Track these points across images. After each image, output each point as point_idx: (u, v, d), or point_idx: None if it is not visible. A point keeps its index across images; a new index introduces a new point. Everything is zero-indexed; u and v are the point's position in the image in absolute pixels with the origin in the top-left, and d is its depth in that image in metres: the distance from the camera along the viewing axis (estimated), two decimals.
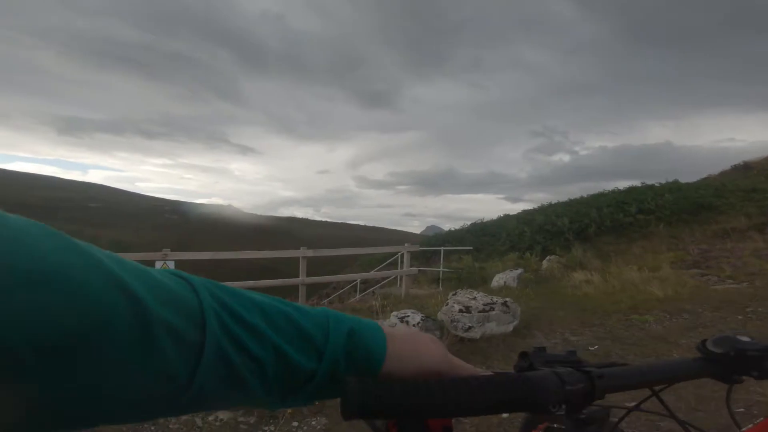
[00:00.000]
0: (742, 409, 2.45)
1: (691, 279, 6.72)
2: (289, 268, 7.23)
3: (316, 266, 7.14)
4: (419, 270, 9.66)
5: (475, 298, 4.53)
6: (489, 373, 0.45)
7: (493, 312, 4.32)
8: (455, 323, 4.17)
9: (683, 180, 14.27)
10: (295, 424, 2.72)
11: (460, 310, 4.25)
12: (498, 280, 7.93)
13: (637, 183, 14.64)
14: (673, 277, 6.67)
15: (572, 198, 15.81)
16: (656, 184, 13.88)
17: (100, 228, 79.30)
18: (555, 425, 0.66)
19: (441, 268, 9.94)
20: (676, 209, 10.84)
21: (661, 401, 0.57)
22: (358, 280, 10.34)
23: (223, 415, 2.76)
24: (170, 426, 2.68)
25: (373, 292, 9.61)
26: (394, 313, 4.09)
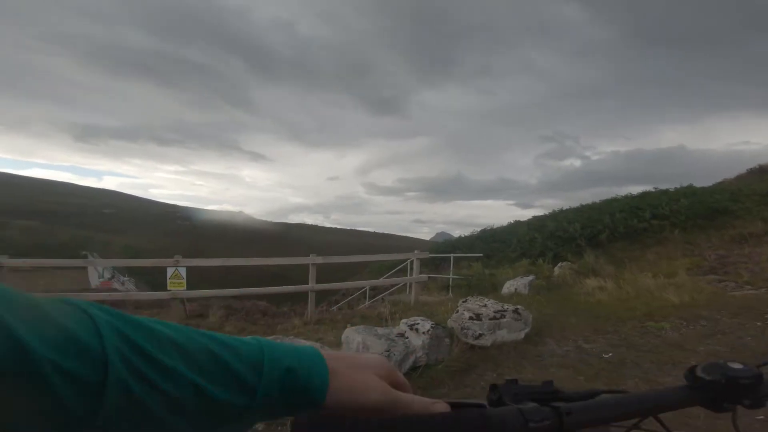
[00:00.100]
0: None
1: (708, 285, 6.58)
2: (299, 274, 7.25)
3: (325, 273, 7.14)
4: (429, 277, 9.60)
5: (485, 306, 4.48)
6: (446, 407, 0.42)
7: (504, 319, 4.27)
8: (465, 331, 4.13)
9: (698, 184, 14.03)
10: None
11: (471, 318, 4.21)
12: (509, 286, 7.84)
13: (650, 188, 14.44)
14: (690, 284, 6.53)
15: (584, 204, 15.63)
16: (670, 189, 13.67)
17: (113, 234, 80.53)
18: None
19: (451, 275, 9.88)
20: (692, 214, 10.65)
21: None
22: (368, 286, 10.32)
23: None
24: None
25: (382, 298, 9.58)
26: (404, 320, 4.07)
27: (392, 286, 10.27)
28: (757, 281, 6.52)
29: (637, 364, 3.75)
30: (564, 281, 8.14)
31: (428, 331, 3.73)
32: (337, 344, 3.74)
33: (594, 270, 8.44)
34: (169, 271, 6.23)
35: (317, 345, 3.42)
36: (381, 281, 10.22)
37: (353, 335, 3.62)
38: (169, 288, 6.20)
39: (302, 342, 3.45)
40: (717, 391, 0.50)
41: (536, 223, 15.39)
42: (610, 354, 4.01)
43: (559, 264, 9.52)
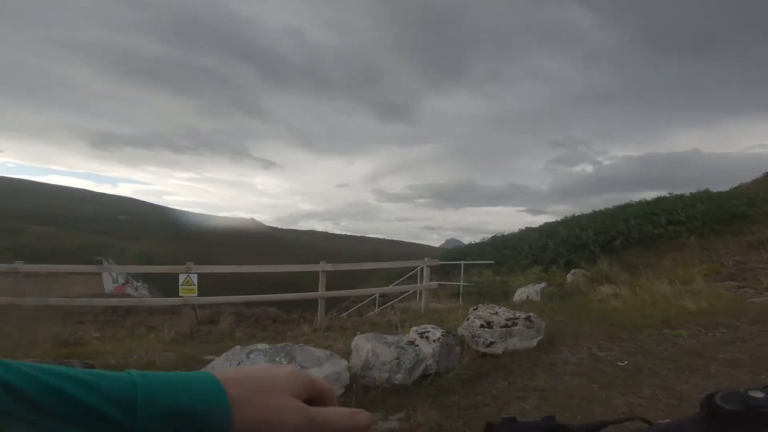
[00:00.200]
0: None
1: (726, 292, 6.42)
2: (308, 281, 7.26)
3: (335, 279, 7.15)
4: (439, 284, 9.54)
5: (497, 313, 4.43)
6: (368, 416, 0.40)
7: (516, 327, 4.21)
8: (476, 338, 4.08)
9: (714, 189, 13.76)
10: None
11: (482, 325, 4.15)
12: (520, 294, 7.75)
13: (665, 193, 14.21)
14: (707, 290, 6.38)
15: (596, 210, 15.43)
16: (686, 194, 13.43)
17: (127, 240, 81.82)
18: None
19: (461, 282, 9.80)
20: (708, 220, 10.43)
21: None
22: (377, 294, 10.29)
23: None
24: None
25: (392, 306, 9.54)
26: (414, 328, 4.03)
27: (402, 293, 10.22)
28: None
29: (653, 371, 3.66)
30: (577, 288, 8.01)
31: (439, 339, 3.69)
32: (347, 352, 3.72)
33: (608, 277, 8.29)
34: (181, 278, 6.29)
35: (327, 352, 3.41)
36: (391, 288, 10.18)
37: (363, 343, 3.60)
38: (180, 294, 6.26)
39: (312, 349, 3.44)
40: (737, 421, 0.46)
41: (548, 229, 15.22)
42: (626, 362, 3.92)
43: (572, 271, 9.38)
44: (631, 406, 3.05)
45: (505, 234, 18.13)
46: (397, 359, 3.41)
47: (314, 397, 0.40)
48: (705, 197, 12.41)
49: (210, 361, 3.44)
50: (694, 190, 13.57)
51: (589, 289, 7.67)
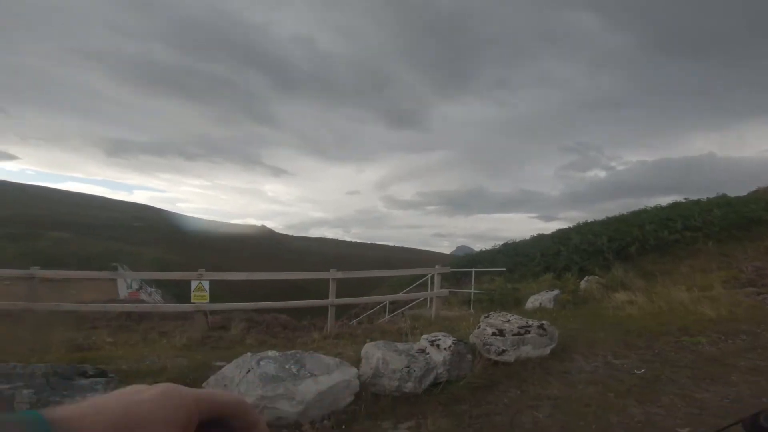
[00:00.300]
0: None
1: (745, 298, 6.25)
2: (319, 288, 7.27)
3: (345, 286, 7.13)
4: (450, 291, 9.46)
5: (509, 321, 4.36)
6: None
7: (529, 335, 4.14)
8: (488, 346, 4.02)
9: (731, 193, 13.48)
10: None
11: (493, 333, 4.09)
12: (533, 301, 7.64)
13: (680, 198, 13.96)
14: (726, 297, 6.22)
15: (610, 216, 15.21)
16: (702, 199, 13.17)
17: (142, 246, 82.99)
18: None
19: (472, 290, 9.70)
20: (726, 225, 10.19)
21: None
22: (387, 301, 10.24)
23: None
24: None
25: (402, 313, 9.47)
26: (425, 336, 3.99)
27: (412, 300, 10.16)
28: None
29: (672, 379, 3.57)
30: (591, 295, 7.87)
31: (450, 347, 3.65)
32: (357, 359, 3.69)
33: (623, 284, 8.13)
34: (193, 284, 6.35)
35: (337, 360, 3.38)
36: (401, 296, 10.13)
37: (373, 350, 3.57)
38: (192, 301, 6.31)
39: (322, 357, 3.42)
40: None
41: (560, 236, 15.03)
42: (643, 370, 3.83)
43: (586, 278, 9.23)
44: (649, 415, 2.96)
45: (517, 241, 17.96)
46: (408, 367, 3.37)
47: (213, 412, 0.31)
48: (722, 202, 12.16)
49: (221, 367, 3.45)
50: (710, 195, 13.33)
51: (604, 297, 7.53)
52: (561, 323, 5.26)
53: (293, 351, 3.49)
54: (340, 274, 6.70)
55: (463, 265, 14.24)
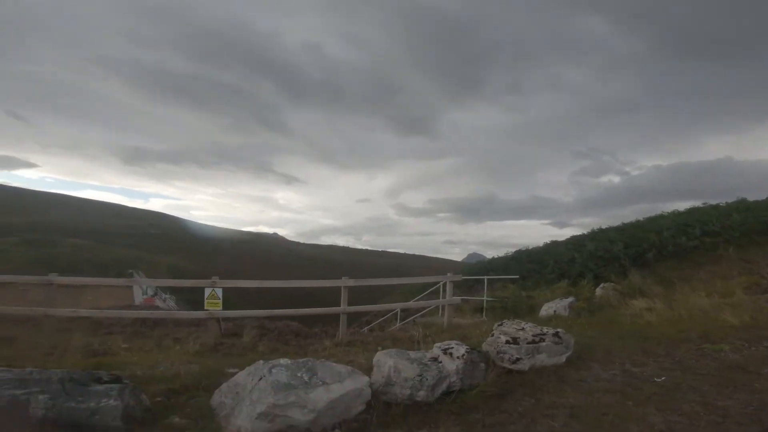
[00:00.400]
0: None
1: None
2: (330, 295, 7.27)
3: (357, 294, 7.12)
4: (462, 299, 9.37)
5: (523, 329, 4.29)
6: None
7: (544, 343, 4.06)
8: (502, 355, 3.95)
9: (750, 198, 13.15)
10: None
11: (507, 342, 4.03)
12: (547, 309, 7.52)
13: (698, 203, 13.67)
14: (749, 303, 6.05)
15: (626, 222, 14.95)
16: (721, 204, 12.88)
17: (157, 254, 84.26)
18: None
19: (485, 297, 9.60)
20: (746, 230, 9.94)
21: None
22: (399, 308, 10.18)
23: None
24: None
25: (414, 320, 9.41)
26: (437, 344, 3.94)
27: (424, 308, 10.09)
28: None
29: (693, 387, 3.46)
30: (607, 303, 7.72)
31: (463, 355, 3.59)
32: (369, 367, 3.66)
33: (641, 291, 7.97)
34: (207, 292, 6.41)
35: (348, 368, 3.37)
36: (413, 303, 10.08)
37: (385, 359, 3.53)
38: (206, 308, 6.36)
39: (334, 365, 3.40)
40: None
41: (574, 242, 14.82)
42: (663, 377, 3.72)
43: (601, 285, 9.07)
44: (670, 424, 2.87)
45: (530, 248, 17.74)
46: (420, 376, 3.33)
47: None
48: (741, 207, 11.88)
49: (233, 374, 3.45)
50: (729, 200, 13.03)
51: (621, 304, 7.38)
52: (576, 331, 5.15)
53: (305, 359, 3.47)
54: (352, 282, 6.69)
55: (475, 273, 14.12)
